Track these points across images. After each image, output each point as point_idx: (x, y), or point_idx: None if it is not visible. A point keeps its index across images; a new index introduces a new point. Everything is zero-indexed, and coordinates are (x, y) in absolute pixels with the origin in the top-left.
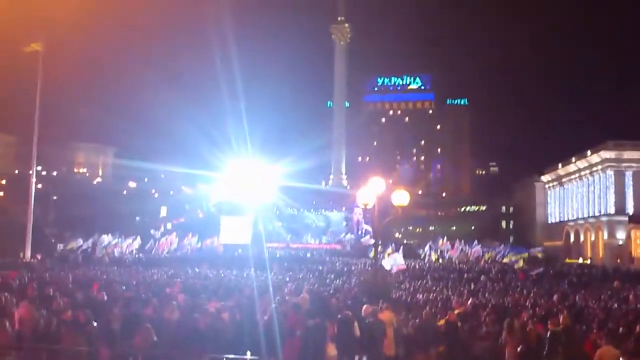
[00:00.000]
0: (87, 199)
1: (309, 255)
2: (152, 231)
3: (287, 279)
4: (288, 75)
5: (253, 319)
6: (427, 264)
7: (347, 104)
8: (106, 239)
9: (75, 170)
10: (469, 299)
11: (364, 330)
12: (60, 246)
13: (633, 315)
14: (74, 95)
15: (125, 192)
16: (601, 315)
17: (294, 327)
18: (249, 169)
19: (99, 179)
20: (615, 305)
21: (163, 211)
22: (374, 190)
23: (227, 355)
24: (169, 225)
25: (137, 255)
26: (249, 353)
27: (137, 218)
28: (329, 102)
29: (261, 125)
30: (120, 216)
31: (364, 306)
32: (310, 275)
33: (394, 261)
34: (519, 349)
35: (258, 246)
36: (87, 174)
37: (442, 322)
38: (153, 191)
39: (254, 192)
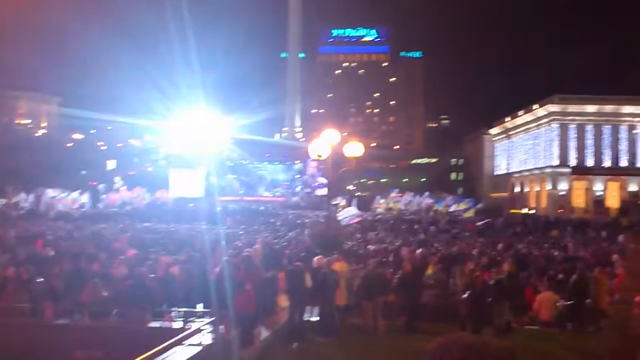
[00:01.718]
0: (30, 152)
1: (262, 208)
2: (100, 185)
3: (241, 232)
4: (241, 24)
5: (204, 272)
6: (379, 215)
7: (302, 55)
8: (51, 193)
9: (17, 121)
10: (418, 249)
11: (316, 281)
12: (2, 201)
13: (571, 263)
14: (14, 41)
15: (70, 144)
16: (542, 263)
17: (246, 279)
18: (200, 120)
19: (42, 131)
20: (556, 253)
21: (111, 164)
22: (328, 141)
23: (177, 309)
24: (117, 179)
25: (84, 210)
26: (200, 306)
27: (84, 172)
28: (283, 53)
29: (213, 75)
30: (66, 169)
31: (317, 257)
32: (264, 228)
33: (348, 213)
34: (465, 295)
35: (210, 199)
36: (30, 125)
37: (397, 273)
38: (100, 143)
39: (206, 144)
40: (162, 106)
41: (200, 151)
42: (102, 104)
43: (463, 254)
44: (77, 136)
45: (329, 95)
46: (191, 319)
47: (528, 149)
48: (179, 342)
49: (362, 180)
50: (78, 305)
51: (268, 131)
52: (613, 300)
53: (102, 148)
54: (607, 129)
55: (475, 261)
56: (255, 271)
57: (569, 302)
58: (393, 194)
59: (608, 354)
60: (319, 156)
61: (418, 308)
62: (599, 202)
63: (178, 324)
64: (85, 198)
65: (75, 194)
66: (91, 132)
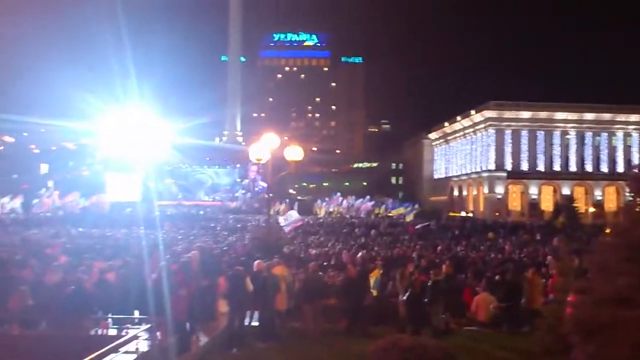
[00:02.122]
0: None
1: (202, 212)
2: (35, 190)
3: (179, 237)
4: (181, 26)
5: (141, 278)
6: (321, 219)
7: (242, 59)
8: None
9: None
10: (359, 252)
11: (256, 285)
12: None
13: (507, 265)
14: None
15: (1, 148)
16: (480, 265)
17: (183, 285)
18: (138, 124)
19: None
20: (492, 255)
21: (44, 168)
22: (267, 145)
23: (112, 316)
24: (50, 183)
25: (15, 215)
26: (136, 313)
27: (15, 175)
28: (223, 56)
29: (151, 78)
30: None
31: (257, 261)
32: (203, 233)
33: (290, 218)
34: (404, 297)
35: (148, 204)
36: None
37: (339, 276)
38: (32, 146)
39: (144, 148)
40: (98, 109)
41: (138, 155)
42: (35, 106)
43: (403, 257)
44: (8, 139)
45: (270, 99)
46: (127, 325)
47: (466, 153)
48: (114, 350)
49: (303, 184)
50: (6, 313)
51: (208, 135)
52: (547, 301)
53: (34, 151)
54: (541, 135)
55: (414, 264)
56: (193, 277)
57: (504, 303)
58: (334, 198)
59: (541, 353)
60: (259, 160)
61: (362, 312)
62: (533, 205)
63: (113, 331)
64: (16, 203)
65: (5, 199)
66: (23, 134)
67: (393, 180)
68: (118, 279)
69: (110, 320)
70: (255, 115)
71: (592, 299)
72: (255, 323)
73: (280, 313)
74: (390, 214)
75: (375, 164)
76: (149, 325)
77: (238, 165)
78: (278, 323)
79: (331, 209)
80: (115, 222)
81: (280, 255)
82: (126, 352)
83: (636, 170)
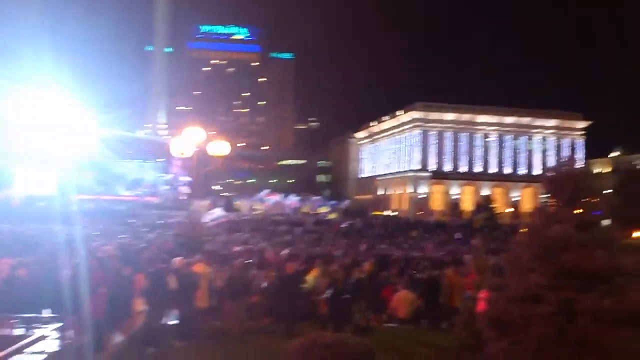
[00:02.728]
0: None
1: (122, 208)
2: None
3: (97, 233)
4: (105, 14)
5: (55, 275)
6: (246, 216)
7: (168, 50)
8: None
9: None
10: (284, 250)
11: (176, 283)
12: None
13: (429, 262)
14: None
15: None
16: (402, 263)
17: (99, 282)
18: (54, 114)
19: None
20: (414, 253)
21: None
22: (192, 139)
23: (21, 315)
24: None
25: None
26: (49, 311)
27: None
28: (148, 46)
29: (71, 67)
30: None
31: (177, 259)
32: (123, 229)
33: (214, 214)
34: (326, 295)
35: (64, 198)
36: None
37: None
38: None
39: (60, 139)
40: (9, 99)
41: (54, 146)
42: None
43: (327, 255)
44: None
45: (196, 93)
46: (36, 325)
47: (392, 153)
48: (19, 351)
49: (229, 181)
50: None
51: (131, 127)
52: (465, 297)
53: None
54: (464, 137)
55: (338, 261)
56: (109, 274)
57: (424, 300)
58: (260, 195)
59: (458, 348)
60: (182, 154)
61: (295, 311)
62: (455, 205)
63: (20, 331)
64: None
65: None
66: None
67: (320, 178)
68: (30, 276)
69: (16, 319)
70: (180, 108)
71: (506, 296)
72: (174, 321)
73: (201, 311)
74: (316, 212)
75: (302, 162)
76: (60, 324)
77: (161, 159)
78: (198, 321)
79: (257, 206)
80: (27, 217)
81: (202, 253)
82: (33, 353)
83: (551, 173)
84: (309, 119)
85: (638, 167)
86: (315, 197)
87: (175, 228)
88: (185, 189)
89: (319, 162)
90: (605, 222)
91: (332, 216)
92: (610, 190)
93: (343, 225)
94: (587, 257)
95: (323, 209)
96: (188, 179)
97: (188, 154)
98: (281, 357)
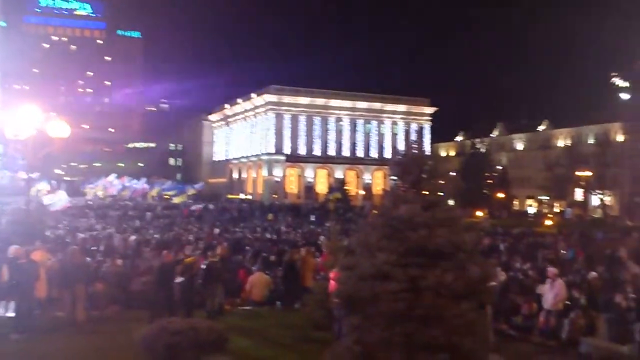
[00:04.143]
0: None
1: None
2: None
3: None
4: None
5: None
6: (91, 202)
7: (2, 24)
8: None
9: None
10: (132, 236)
11: (14, 273)
12: None
13: (283, 245)
14: None
15: None
16: (256, 245)
17: None
18: None
19: None
20: (269, 236)
21: None
22: (27, 120)
23: None
24: None
25: None
26: None
27: None
28: None
29: None
30: None
31: (14, 247)
32: None
33: (57, 199)
34: (177, 280)
35: None
36: None
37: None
38: None
39: None
40: None
41: None
42: None
43: (179, 240)
44: None
45: (35, 70)
46: None
47: (246, 136)
48: None
49: (73, 164)
50: None
51: None
52: (318, 278)
53: None
54: (317, 120)
55: (192, 246)
56: None
57: (278, 282)
58: (108, 179)
59: (311, 327)
60: (16, 136)
61: (170, 300)
62: (309, 188)
63: None
64: None
65: None
66: None
67: (172, 161)
68: None
69: None
70: (17, 87)
71: (356, 275)
72: (10, 314)
73: (40, 302)
74: (166, 196)
75: (152, 145)
76: None
77: None
78: (37, 312)
79: (104, 190)
80: None
81: (42, 240)
82: None
83: (397, 157)
84: (160, 101)
85: (480, 150)
86: (166, 181)
87: (10, 214)
88: (22, 173)
89: (170, 145)
90: (450, 203)
91: (181, 199)
92: (455, 173)
93: (193, 208)
94: (431, 236)
95: (173, 193)
96: (25, 162)
97: (24, 135)
98: (127, 346)
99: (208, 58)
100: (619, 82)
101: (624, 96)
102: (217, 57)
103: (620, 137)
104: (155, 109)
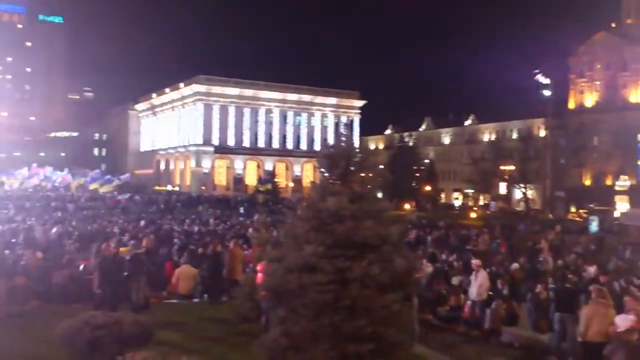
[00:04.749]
0: None
1: None
2: None
3: None
4: None
5: None
6: (11, 192)
7: None
8: None
9: None
10: (54, 228)
11: None
12: None
13: (211, 237)
14: None
15: None
16: (183, 238)
17: None
18: None
19: None
20: (197, 228)
21: None
22: None
23: None
24: None
25: None
26: None
27: None
28: None
29: None
30: None
31: None
32: None
33: None
34: (96, 275)
35: None
36: None
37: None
38: None
39: None
40: None
41: None
42: None
43: (103, 232)
44: None
45: None
46: None
47: (174, 126)
48: None
49: None
50: None
51: None
52: (247, 270)
53: None
54: (247, 112)
55: (116, 239)
56: None
57: (206, 275)
58: (30, 169)
59: (239, 319)
60: None
61: (117, 294)
62: (238, 180)
63: None
64: None
65: None
66: None
67: (96, 151)
68: None
69: None
70: None
71: (283, 267)
72: None
73: None
74: (90, 187)
75: (75, 134)
76: None
77: None
78: None
79: (24, 181)
80: None
81: None
82: None
83: (325, 150)
84: (83, 89)
85: (409, 143)
86: (90, 172)
87: None
88: None
89: (94, 135)
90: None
91: (106, 189)
92: (383, 166)
93: (119, 198)
94: (358, 228)
95: (97, 184)
96: None
97: None
98: (48, 342)
99: (134, 46)
100: (542, 79)
101: (546, 93)
102: (144, 45)
103: (542, 133)
104: (79, 97)
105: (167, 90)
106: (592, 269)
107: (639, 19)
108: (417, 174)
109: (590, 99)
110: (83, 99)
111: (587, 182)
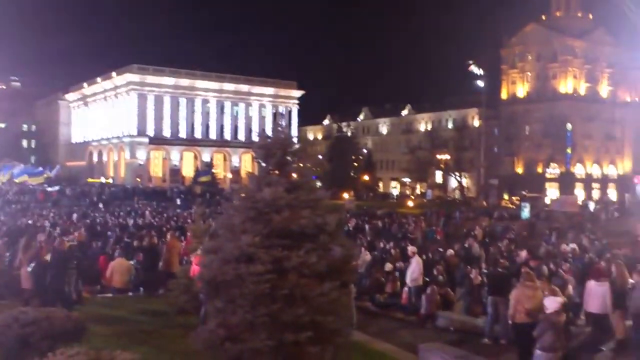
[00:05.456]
0: None
1: None
2: None
3: None
4: None
5: None
6: None
7: None
8: None
9: None
10: None
11: None
12: None
13: (147, 229)
14: None
15: None
16: (118, 231)
17: None
18: None
19: None
20: (132, 221)
21: None
22: None
23: None
24: None
25: None
26: None
27: None
28: None
29: None
30: None
31: None
32: None
33: None
34: (29, 268)
35: None
36: None
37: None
38: None
39: None
40: None
41: None
42: None
43: (33, 226)
44: None
45: None
46: None
47: (107, 117)
48: None
49: None
50: None
51: None
52: (183, 263)
53: None
54: (183, 102)
55: (47, 232)
56: None
57: (141, 268)
58: None
59: (176, 312)
60: None
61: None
62: (175, 171)
63: None
64: None
65: None
66: None
67: (25, 143)
68: None
69: None
70: None
71: (220, 258)
72: None
73: None
74: (17, 181)
75: (2, 125)
76: None
77: None
78: None
79: None
80: None
81: None
82: None
83: (261, 140)
84: (10, 78)
85: (347, 133)
86: (18, 164)
87: None
88: None
89: (23, 126)
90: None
91: (35, 181)
92: (322, 156)
93: (50, 191)
94: (295, 218)
95: (26, 177)
96: None
97: None
98: None
99: (64, 33)
100: (475, 69)
101: (480, 83)
102: (75, 33)
103: (476, 122)
104: (4, 87)
105: (98, 79)
106: (523, 254)
107: (568, 11)
108: (356, 164)
109: (521, 90)
110: (10, 89)
111: (519, 170)
